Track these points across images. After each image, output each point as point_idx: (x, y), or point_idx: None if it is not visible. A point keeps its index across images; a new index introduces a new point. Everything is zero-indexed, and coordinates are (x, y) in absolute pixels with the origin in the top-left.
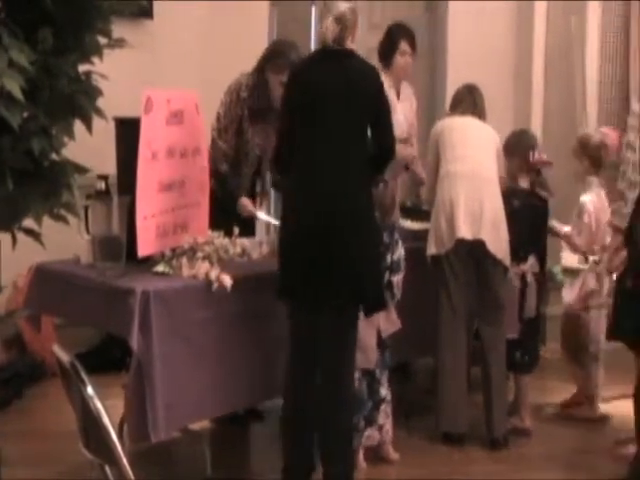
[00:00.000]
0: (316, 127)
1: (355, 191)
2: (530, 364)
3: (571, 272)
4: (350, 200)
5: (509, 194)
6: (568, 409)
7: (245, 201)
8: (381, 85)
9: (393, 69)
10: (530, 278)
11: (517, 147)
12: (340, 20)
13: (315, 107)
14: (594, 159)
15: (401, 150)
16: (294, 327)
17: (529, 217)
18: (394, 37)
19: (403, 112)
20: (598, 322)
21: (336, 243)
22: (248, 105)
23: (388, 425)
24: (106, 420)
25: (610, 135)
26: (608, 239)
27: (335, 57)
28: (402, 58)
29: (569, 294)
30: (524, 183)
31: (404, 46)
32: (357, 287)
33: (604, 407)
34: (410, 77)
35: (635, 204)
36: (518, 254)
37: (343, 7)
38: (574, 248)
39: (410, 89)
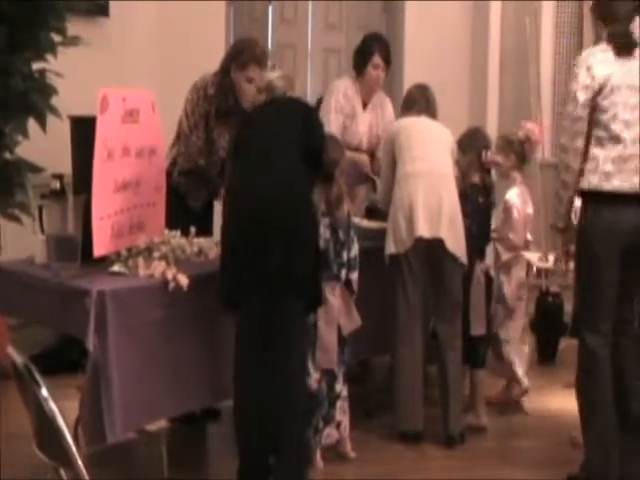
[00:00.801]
0: (255, 143)
1: (291, 192)
2: (484, 360)
3: (504, 267)
4: (287, 201)
5: (475, 191)
6: (498, 403)
7: None
8: (310, 109)
9: (365, 80)
10: (493, 273)
11: (470, 145)
12: (264, 89)
13: (254, 133)
14: (519, 154)
15: (356, 155)
16: (239, 328)
17: (489, 214)
18: (368, 49)
19: (369, 122)
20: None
21: (274, 244)
22: (215, 103)
23: (346, 421)
24: (61, 422)
25: (534, 131)
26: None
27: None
28: (374, 71)
29: (508, 288)
30: (475, 181)
31: (377, 60)
32: (297, 288)
33: (561, 401)
34: (379, 88)
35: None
36: (481, 251)
37: (271, 77)
38: (509, 245)
39: (386, 98)
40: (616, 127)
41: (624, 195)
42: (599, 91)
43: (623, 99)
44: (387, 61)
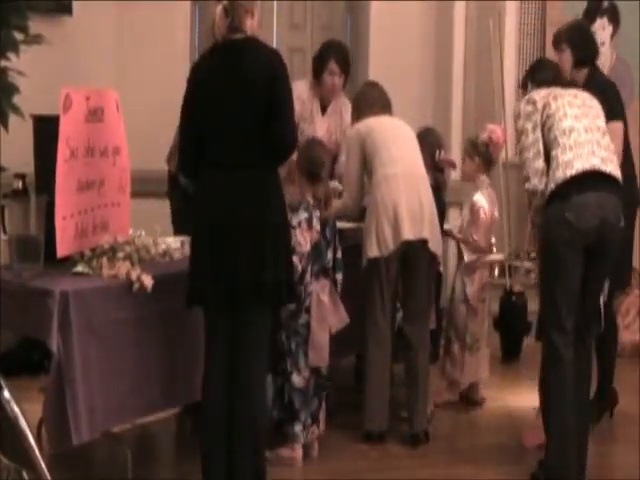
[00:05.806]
0: (212, 128)
1: (257, 190)
2: (436, 354)
3: (468, 269)
4: (253, 200)
5: None
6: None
7: None
8: (280, 73)
9: (322, 86)
10: (442, 269)
11: (423, 145)
12: (228, 10)
13: (210, 108)
14: (484, 156)
15: None
16: (206, 330)
17: (442, 214)
18: (324, 55)
19: (327, 127)
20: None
21: (239, 244)
22: None
23: (322, 418)
24: (23, 424)
25: (496, 131)
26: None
27: (228, 52)
28: (330, 78)
29: (470, 289)
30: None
31: (332, 66)
32: (261, 288)
33: (524, 399)
34: (339, 94)
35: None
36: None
37: None
38: (473, 247)
39: (348, 103)
40: (566, 123)
41: (586, 200)
42: (542, 110)
43: (564, 101)
44: (344, 67)
